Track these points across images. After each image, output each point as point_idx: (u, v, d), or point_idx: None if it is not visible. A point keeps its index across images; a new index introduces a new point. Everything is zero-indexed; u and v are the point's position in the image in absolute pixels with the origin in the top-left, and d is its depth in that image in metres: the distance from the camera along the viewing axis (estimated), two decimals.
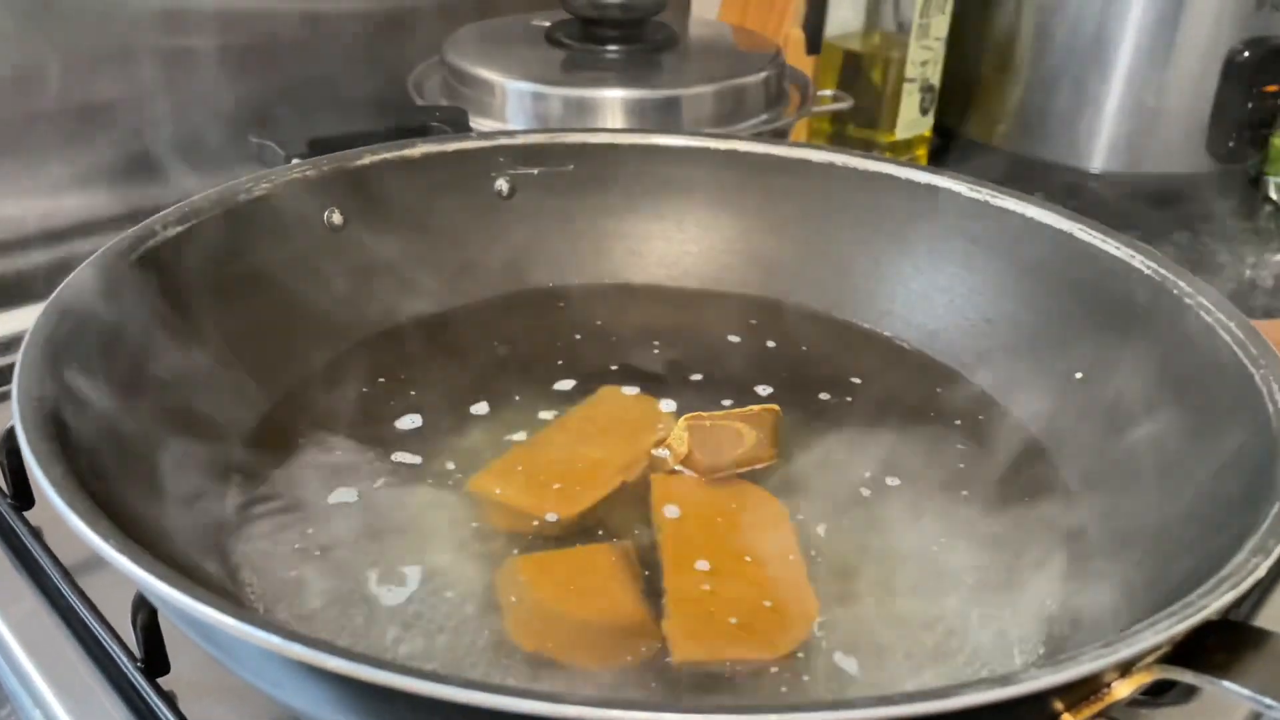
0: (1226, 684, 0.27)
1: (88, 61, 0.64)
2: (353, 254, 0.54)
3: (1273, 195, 0.97)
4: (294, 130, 0.58)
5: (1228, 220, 0.94)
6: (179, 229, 0.46)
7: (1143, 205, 0.94)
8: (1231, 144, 0.93)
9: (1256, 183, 0.98)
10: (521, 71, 0.71)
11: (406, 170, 0.57)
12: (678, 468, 0.47)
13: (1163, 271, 0.47)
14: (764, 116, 0.73)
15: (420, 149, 0.57)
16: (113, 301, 0.42)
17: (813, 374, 0.54)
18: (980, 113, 1.00)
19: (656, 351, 0.56)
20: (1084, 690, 0.28)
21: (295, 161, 0.54)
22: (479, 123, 0.68)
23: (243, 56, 0.71)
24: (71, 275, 0.41)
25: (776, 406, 0.48)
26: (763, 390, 0.53)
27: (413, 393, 0.51)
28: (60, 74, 0.62)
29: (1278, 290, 0.86)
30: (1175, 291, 0.46)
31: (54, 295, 0.40)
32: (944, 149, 1.01)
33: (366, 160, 0.55)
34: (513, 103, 0.70)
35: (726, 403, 0.51)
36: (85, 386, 0.38)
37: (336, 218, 0.54)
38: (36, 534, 0.48)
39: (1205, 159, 0.94)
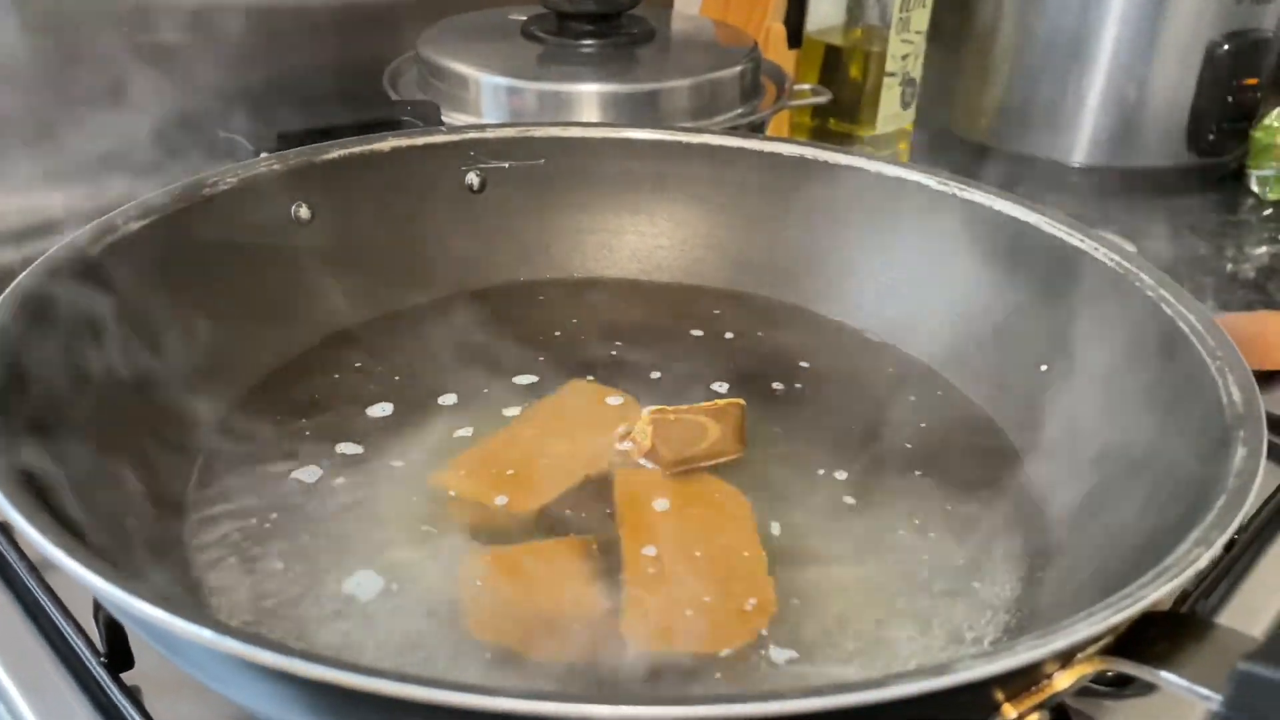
0: (1165, 674, 0.27)
1: (58, 57, 0.64)
2: (319, 248, 0.54)
3: (1254, 188, 0.97)
4: (264, 124, 0.58)
5: (1209, 213, 0.94)
6: (140, 224, 0.46)
7: (1124, 199, 0.94)
8: (1212, 137, 0.93)
9: (1238, 176, 0.98)
10: (496, 66, 0.71)
11: (375, 164, 0.57)
12: (642, 461, 0.47)
13: (1126, 264, 0.47)
14: (739, 110, 0.73)
15: (389, 143, 0.57)
16: (71, 296, 0.42)
17: (781, 367, 0.54)
18: (962, 106, 1.00)
19: (626, 345, 0.56)
20: (1025, 681, 0.28)
21: (263, 155, 0.54)
22: (453, 117, 0.68)
23: (216, 50, 0.71)
24: (26, 270, 0.41)
25: (741, 401, 0.48)
26: (730, 383, 0.53)
27: (379, 386, 0.51)
28: (30, 70, 0.62)
29: (1259, 283, 0.86)
30: (1137, 284, 0.46)
31: (8, 291, 0.40)
32: (926, 143, 1.01)
33: (335, 154, 0.55)
34: (487, 97, 0.70)
35: (694, 396, 0.51)
36: (41, 383, 0.38)
37: (304, 211, 0.54)
38: (4, 529, 0.48)
39: (1186, 153, 0.94)
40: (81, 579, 0.27)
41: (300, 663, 0.24)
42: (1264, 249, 0.91)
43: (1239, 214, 0.96)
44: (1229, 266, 0.88)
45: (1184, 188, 0.95)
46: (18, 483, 0.31)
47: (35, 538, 0.29)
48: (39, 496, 0.31)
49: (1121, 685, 0.44)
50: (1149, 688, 0.44)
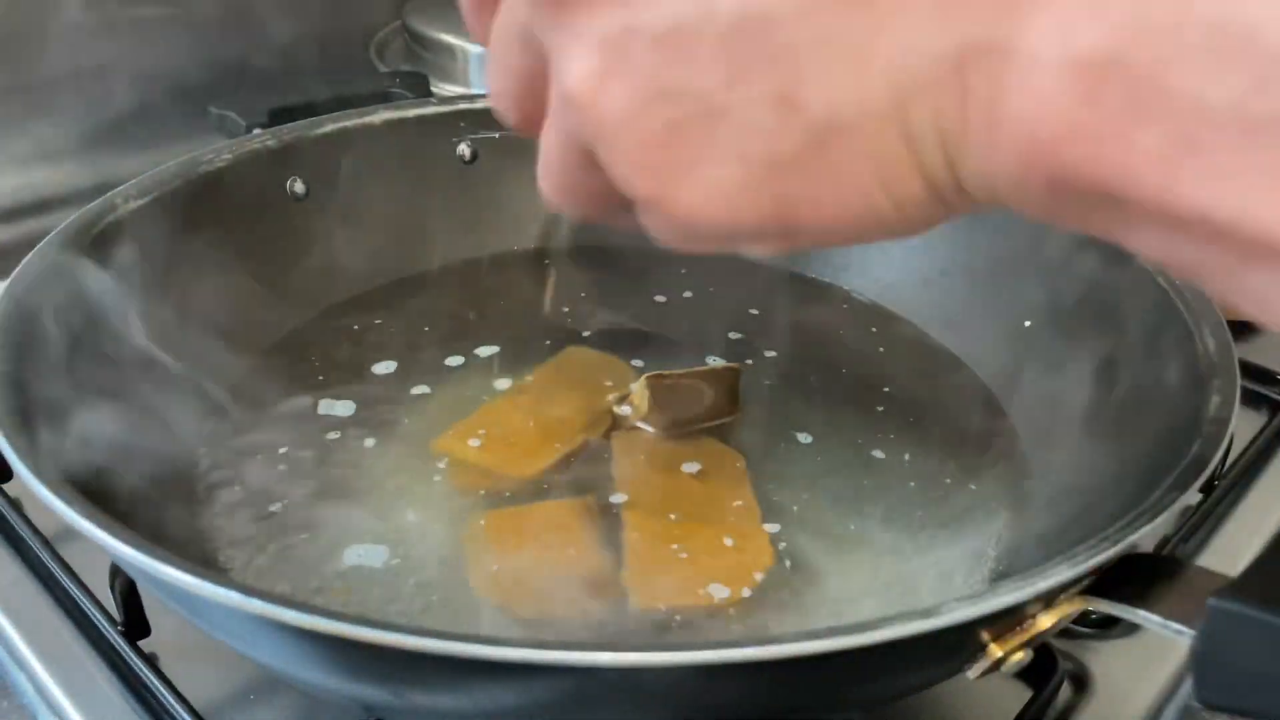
0: (1141, 613, 0.29)
1: (44, 34, 0.64)
2: (316, 223, 0.55)
3: None
4: (254, 100, 0.58)
5: None
6: (139, 203, 0.47)
7: None
8: None
9: None
10: None
11: (368, 137, 0.57)
12: (639, 424, 0.48)
13: None
14: None
15: (381, 116, 0.57)
16: (75, 276, 0.42)
17: (773, 329, 0.55)
18: None
19: (620, 310, 0.57)
20: (1010, 621, 0.29)
21: (256, 131, 0.55)
22: (441, 88, 0.69)
23: (202, 26, 0.71)
24: (32, 252, 0.42)
25: (737, 365, 0.49)
26: (724, 345, 0.54)
27: (378, 354, 0.52)
28: (17, 48, 0.62)
29: None
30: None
31: (16, 270, 0.41)
32: None
33: (328, 128, 0.56)
34: (475, 66, 0.70)
35: (688, 359, 0.52)
36: (50, 360, 0.39)
37: (299, 187, 0.55)
38: (16, 505, 0.49)
39: None
40: (107, 546, 0.29)
41: (322, 620, 0.25)
42: None
43: None
44: None
45: None
46: (36, 455, 0.32)
47: (59, 506, 0.30)
48: (56, 467, 0.32)
49: (1107, 627, 0.46)
50: (1133, 630, 0.46)
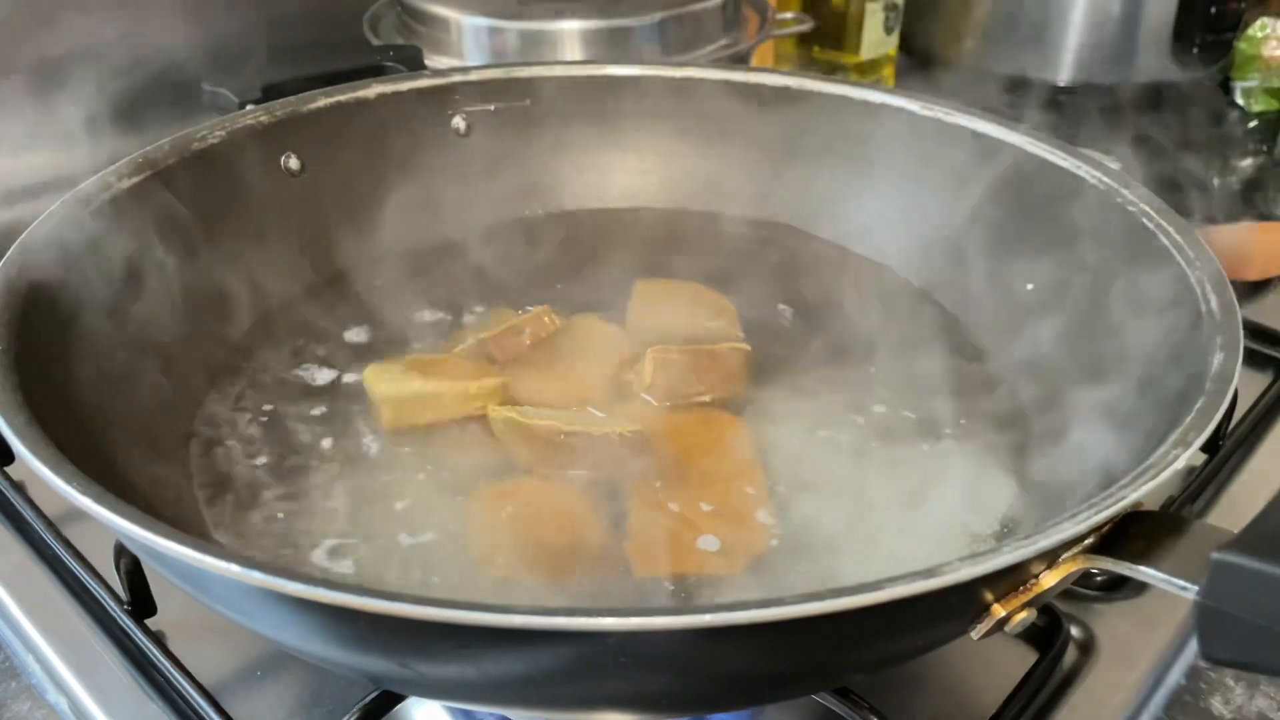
0: (1144, 569, 0.28)
1: (35, 16, 0.63)
2: (311, 198, 0.55)
3: (1239, 100, 0.97)
4: (247, 76, 0.58)
5: (1196, 127, 0.94)
6: (134, 180, 0.47)
7: (1110, 115, 0.94)
8: (1196, 50, 0.93)
9: (1224, 89, 0.98)
10: (476, 6, 0.70)
11: (362, 112, 0.57)
12: (644, 396, 0.48)
13: (1107, 180, 0.48)
14: (722, 42, 0.73)
15: (375, 89, 0.57)
16: (72, 255, 0.42)
17: (778, 291, 0.55)
18: (946, 30, 1.00)
19: (622, 278, 0.56)
20: (1013, 581, 0.29)
21: (249, 107, 0.54)
22: (435, 60, 0.68)
23: (195, 4, 0.70)
24: (27, 231, 0.41)
25: (746, 346, 0.49)
26: (728, 311, 0.53)
27: (379, 324, 0.52)
28: (10, 30, 0.62)
29: (1245, 195, 0.86)
30: (1119, 200, 0.46)
31: (12, 249, 0.40)
32: (910, 67, 1.01)
33: (321, 103, 0.55)
34: (469, 38, 0.70)
35: (691, 324, 0.51)
36: (47, 338, 0.39)
37: (293, 162, 0.54)
38: (19, 488, 0.49)
39: (1172, 67, 0.94)
40: (111, 525, 0.29)
41: (326, 591, 0.25)
42: (1249, 161, 0.92)
43: (1225, 126, 0.96)
44: (1216, 179, 0.88)
45: (1170, 103, 0.95)
46: (39, 436, 0.32)
47: (62, 487, 0.30)
48: (58, 446, 0.32)
49: (1112, 590, 0.46)
50: (1138, 591, 0.46)
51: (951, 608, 0.29)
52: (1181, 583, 0.27)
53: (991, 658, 0.42)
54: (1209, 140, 0.93)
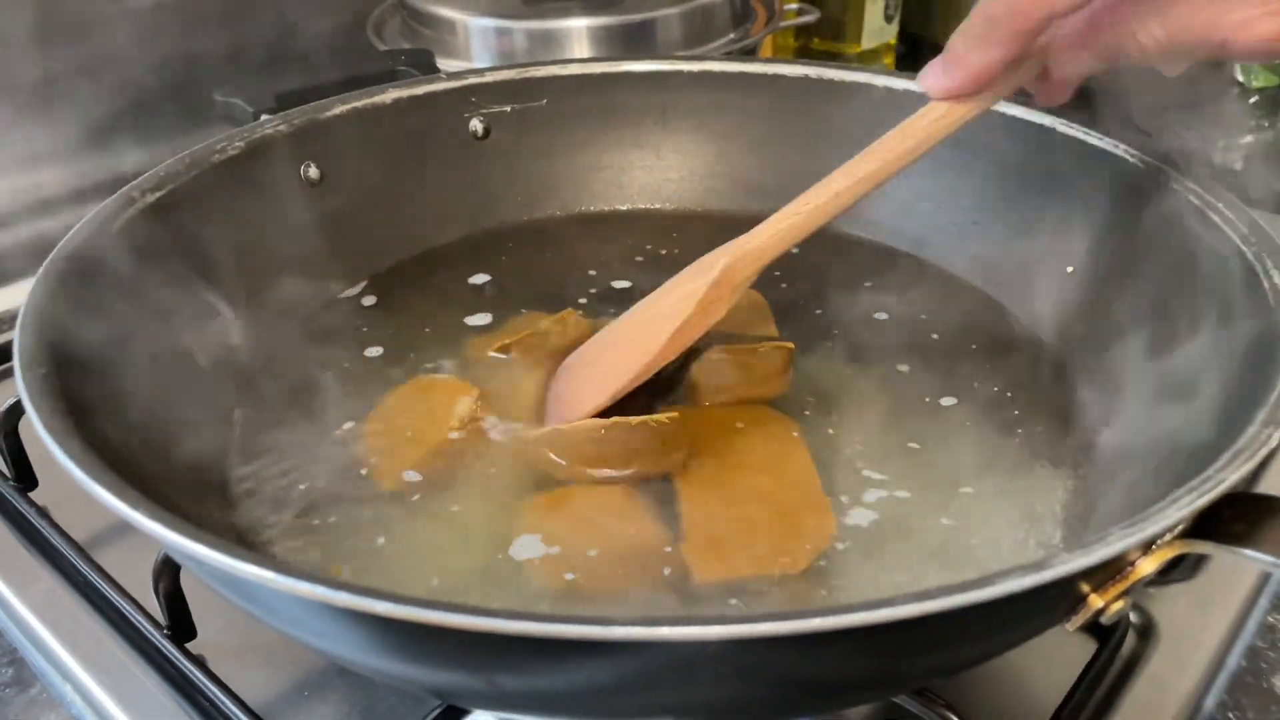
0: (1248, 552, 0.28)
1: (44, 30, 0.62)
2: (333, 206, 0.54)
3: (1239, 77, 0.97)
4: (259, 85, 0.57)
5: (1197, 105, 0.94)
6: (157, 195, 0.45)
7: (1111, 94, 0.94)
8: None
9: (1222, 63, 0.98)
10: (482, 6, 0.69)
11: (380, 118, 0.56)
12: (692, 397, 0.47)
13: (1148, 159, 0.47)
14: (732, 35, 0.73)
15: (391, 95, 0.56)
16: (102, 270, 0.41)
17: (809, 287, 0.54)
18: (945, 16, 0.99)
19: (646, 276, 0.55)
20: (1110, 570, 0.29)
21: (265, 117, 0.53)
22: (445, 63, 0.67)
23: (200, 14, 0.69)
24: (56, 248, 0.40)
25: (790, 344, 0.48)
26: (760, 309, 0.52)
27: (406, 332, 0.51)
28: (13, 43, 0.60)
29: (1248, 172, 0.86)
30: (1161, 177, 0.46)
31: (43, 269, 0.39)
32: (910, 56, 1.00)
33: (338, 110, 0.54)
34: (476, 40, 0.69)
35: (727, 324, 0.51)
36: (81, 359, 0.38)
37: (313, 172, 0.53)
38: (44, 513, 0.48)
39: None
40: (161, 538, 0.28)
41: (381, 603, 0.25)
42: (1250, 137, 0.92)
43: (1225, 103, 0.96)
44: (1218, 157, 0.88)
45: (1171, 80, 0.95)
46: (85, 451, 0.31)
47: (111, 501, 0.29)
48: (104, 459, 0.31)
49: (1166, 574, 0.45)
50: (1193, 574, 0.46)
51: (1051, 600, 0.28)
52: None
53: (1053, 650, 0.42)
54: (1210, 118, 0.93)
